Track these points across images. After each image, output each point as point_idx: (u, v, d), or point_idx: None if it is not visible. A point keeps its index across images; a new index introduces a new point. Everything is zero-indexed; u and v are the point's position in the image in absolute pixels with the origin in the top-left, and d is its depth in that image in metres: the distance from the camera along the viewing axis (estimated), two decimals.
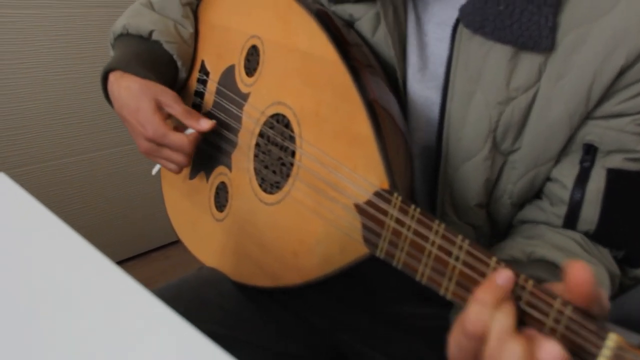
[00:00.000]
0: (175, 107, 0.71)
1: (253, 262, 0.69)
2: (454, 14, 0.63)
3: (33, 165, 1.61)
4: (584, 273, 0.40)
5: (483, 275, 0.46)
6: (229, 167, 0.75)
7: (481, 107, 0.60)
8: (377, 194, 0.53)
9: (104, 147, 1.76)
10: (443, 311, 0.66)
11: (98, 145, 1.75)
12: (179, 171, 0.75)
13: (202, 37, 0.84)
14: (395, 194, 0.52)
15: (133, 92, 0.71)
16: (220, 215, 0.76)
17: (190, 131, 0.73)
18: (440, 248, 0.48)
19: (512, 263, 0.59)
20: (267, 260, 0.67)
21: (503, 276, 0.43)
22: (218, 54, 0.80)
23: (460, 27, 0.60)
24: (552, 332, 0.42)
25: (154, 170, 0.81)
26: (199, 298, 0.72)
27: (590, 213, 0.60)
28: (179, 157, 0.72)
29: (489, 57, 0.59)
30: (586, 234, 0.62)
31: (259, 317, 0.73)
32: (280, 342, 0.73)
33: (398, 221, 0.51)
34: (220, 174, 0.77)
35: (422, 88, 0.66)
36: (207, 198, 0.79)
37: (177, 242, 2.00)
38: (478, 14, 0.58)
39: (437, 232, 0.48)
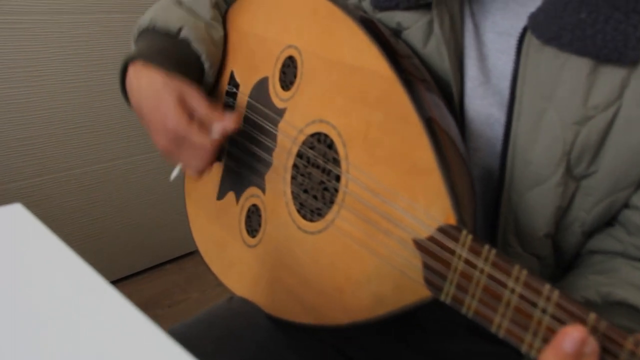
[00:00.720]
0: (200, 102, 0.65)
1: (291, 295, 0.63)
2: (518, 23, 0.56)
3: (47, 176, 1.56)
4: None
5: None
6: (262, 189, 0.69)
7: (554, 127, 0.53)
8: (441, 230, 0.47)
9: (117, 157, 1.71)
10: (499, 349, 0.59)
11: (112, 155, 1.69)
12: (199, 175, 0.68)
13: (231, 45, 0.78)
14: (465, 231, 0.45)
15: (155, 86, 0.64)
16: (253, 240, 0.69)
17: (215, 130, 0.66)
18: (522, 297, 0.42)
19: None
20: (308, 295, 0.61)
21: (570, 339, 0.37)
22: (249, 64, 0.74)
23: (528, 37, 0.54)
24: None
25: (173, 175, 0.73)
26: (231, 332, 0.66)
27: None
28: (201, 158, 0.65)
29: (564, 71, 0.52)
30: None
31: (296, 354, 0.67)
32: None
33: (468, 262, 0.45)
34: (252, 195, 0.70)
35: (484, 104, 0.59)
36: (237, 221, 0.72)
37: (191, 253, 1.97)
38: (554, 23, 0.51)
39: (517, 279, 0.42)
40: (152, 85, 0.65)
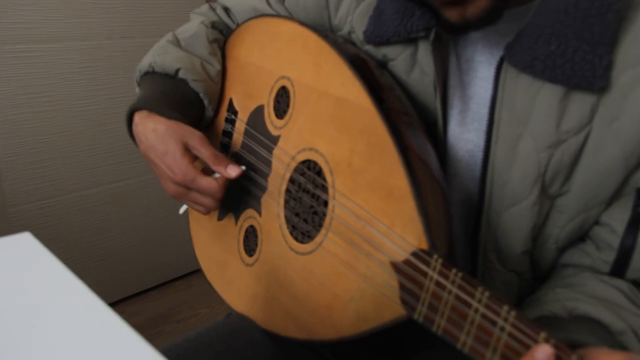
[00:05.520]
0: (203, 150, 0.69)
1: (285, 311, 0.67)
2: (497, 52, 0.60)
3: (58, 198, 1.62)
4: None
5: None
6: (259, 211, 0.73)
7: (529, 151, 0.57)
8: (415, 255, 0.51)
9: (126, 177, 1.76)
10: None
11: (120, 176, 1.75)
12: (207, 213, 0.74)
13: (230, 74, 0.82)
14: (435, 256, 0.49)
15: (159, 135, 0.69)
16: (250, 259, 0.74)
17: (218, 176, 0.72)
18: (484, 317, 0.45)
19: (553, 320, 0.56)
20: (300, 312, 0.65)
21: (542, 353, 0.41)
22: (246, 92, 0.78)
23: (505, 65, 0.58)
24: None
25: (182, 210, 0.80)
26: (230, 347, 0.70)
27: None
28: (209, 201, 0.70)
29: (538, 97, 0.56)
30: (634, 282, 0.59)
31: None
32: None
33: (438, 284, 0.49)
34: (249, 217, 0.75)
35: (463, 131, 0.63)
36: (236, 241, 0.77)
37: (198, 271, 1.99)
38: (527, 53, 0.55)
39: (480, 301, 0.46)
40: (157, 136, 0.69)
